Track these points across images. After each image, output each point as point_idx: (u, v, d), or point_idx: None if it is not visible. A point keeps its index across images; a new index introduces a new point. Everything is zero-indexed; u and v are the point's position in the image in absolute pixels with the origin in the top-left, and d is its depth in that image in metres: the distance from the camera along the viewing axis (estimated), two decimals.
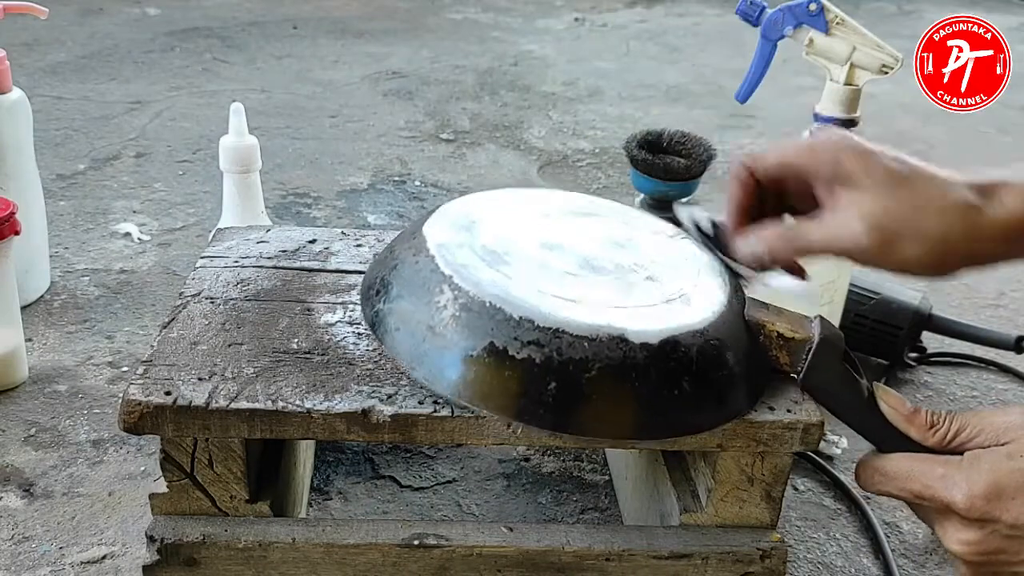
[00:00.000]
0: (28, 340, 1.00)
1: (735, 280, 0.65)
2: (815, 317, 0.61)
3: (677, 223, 0.70)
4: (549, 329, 0.56)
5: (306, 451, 0.81)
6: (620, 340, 0.56)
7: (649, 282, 0.62)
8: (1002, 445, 0.55)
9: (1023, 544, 0.54)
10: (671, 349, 0.57)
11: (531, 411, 0.56)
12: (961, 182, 0.56)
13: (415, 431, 0.58)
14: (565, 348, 0.56)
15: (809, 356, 0.60)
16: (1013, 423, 0.55)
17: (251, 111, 1.07)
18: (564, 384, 0.56)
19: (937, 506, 0.56)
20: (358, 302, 0.70)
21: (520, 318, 0.56)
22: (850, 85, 0.88)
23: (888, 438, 0.59)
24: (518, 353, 0.56)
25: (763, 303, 0.64)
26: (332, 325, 0.67)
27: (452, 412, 0.58)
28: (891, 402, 0.59)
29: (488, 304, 0.57)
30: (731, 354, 0.59)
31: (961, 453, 0.56)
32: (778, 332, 0.61)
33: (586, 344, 0.56)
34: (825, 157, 0.56)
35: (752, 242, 0.60)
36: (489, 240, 0.63)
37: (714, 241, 0.65)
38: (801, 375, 0.61)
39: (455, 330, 0.57)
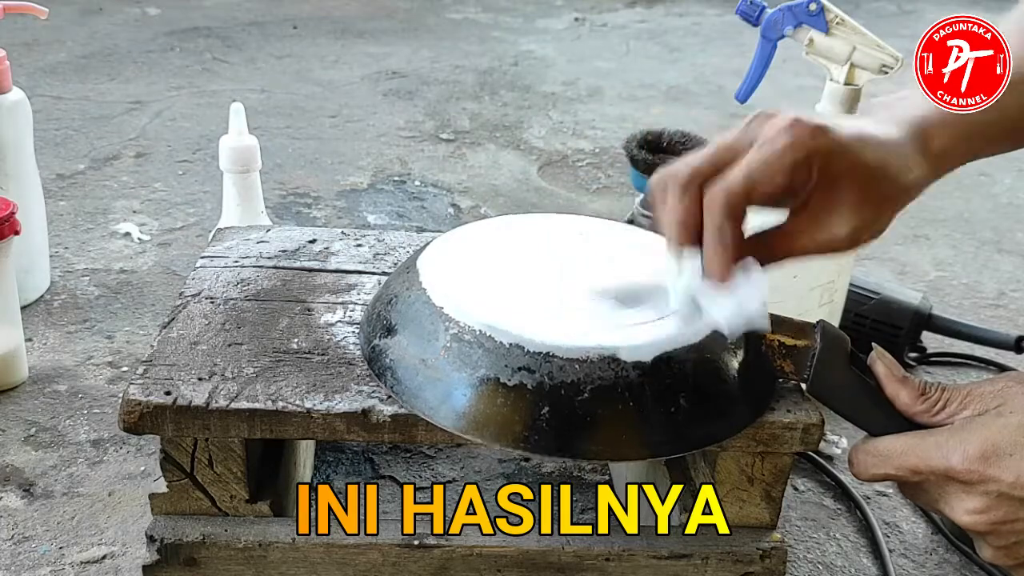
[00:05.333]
0: (28, 340, 1.00)
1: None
2: (817, 322, 0.61)
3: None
4: (539, 354, 0.55)
5: (306, 451, 0.81)
6: (612, 360, 0.55)
7: (644, 301, 0.61)
8: (992, 410, 0.54)
9: None
10: (665, 366, 0.56)
11: (528, 438, 0.55)
12: (908, 143, 0.57)
13: (415, 431, 0.58)
14: (556, 372, 0.55)
15: (813, 363, 0.59)
16: (1000, 389, 0.55)
17: (251, 111, 1.07)
18: (558, 408, 0.55)
19: (937, 478, 0.55)
20: (358, 302, 0.70)
21: (510, 345, 0.56)
22: (850, 85, 0.88)
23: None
24: (509, 380, 0.55)
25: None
26: (332, 325, 0.67)
27: None
28: (885, 364, 0.58)
29: (478, 333, 0.57)
30: (729, 367, 0.59)
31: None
32: (779, 341, 0.60)
33: (577, 366, 0.55)
34: (814, 167, 0.54)
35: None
36: (482, 270, 0.63)
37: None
38: (809, 382, 0.60)
39: (447, 361, 0.57)
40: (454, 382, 0.56)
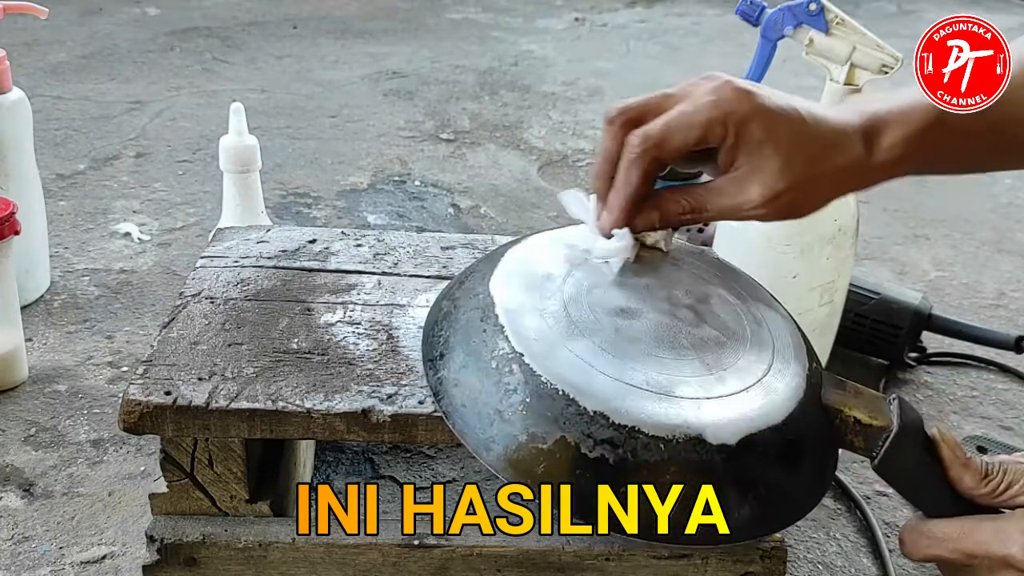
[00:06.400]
0: (28, 340, 1.00)
1: (813, 356, 0.61)
2: (894, 399, 0.58)
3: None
4: (624, 427, 0.52)
5: (306, 451, 0.81)
6: (697, 441, 0.53)
7: (728, 363, 0.58)
8: None
9: None
10: (748, 449, 0.54)
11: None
12: (853, 127, 0.58)
13: (415, 431, 0.58)
14: (640, 449, 0.52)
15: (887, 443, 0.57)
16: None
17: (251, 111, 1.07)
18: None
19: (992, 563, 0.54)
20: (358, 302, 0.70)
21: (595, 412, 0.52)
22: (850, 85, 0.88)
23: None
24: (591, 452, 0.52)
25: (839, 380, 0.60)
26: (332, 325, 0.67)
27: None
28: (949, 446, 0.57)
29: (561, 393, 0.53)
30: (807, 448, 0.57)
31: (1010, 509, 0.55)
32: (855, 418, 0.58)
33: (662, 446, 0.52)
34: (731, 127, 0.56)
35: (651, 215, 0.60)
36: (559, 304, 0.58)
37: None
38: (877, 461, 0.57)
39: (524, 417, 0.53)
40: (531, 440, 0.53)
